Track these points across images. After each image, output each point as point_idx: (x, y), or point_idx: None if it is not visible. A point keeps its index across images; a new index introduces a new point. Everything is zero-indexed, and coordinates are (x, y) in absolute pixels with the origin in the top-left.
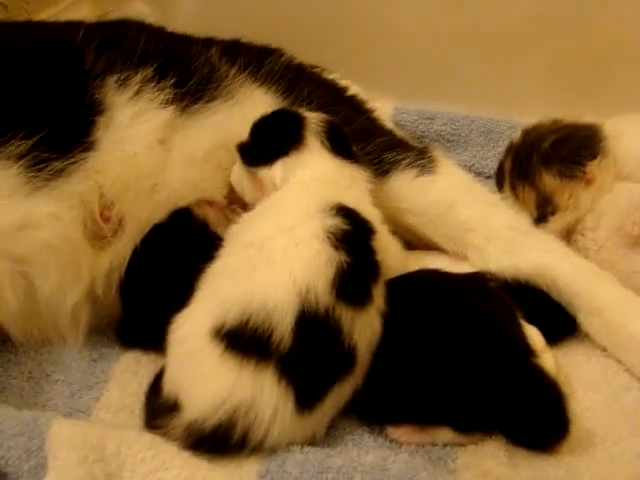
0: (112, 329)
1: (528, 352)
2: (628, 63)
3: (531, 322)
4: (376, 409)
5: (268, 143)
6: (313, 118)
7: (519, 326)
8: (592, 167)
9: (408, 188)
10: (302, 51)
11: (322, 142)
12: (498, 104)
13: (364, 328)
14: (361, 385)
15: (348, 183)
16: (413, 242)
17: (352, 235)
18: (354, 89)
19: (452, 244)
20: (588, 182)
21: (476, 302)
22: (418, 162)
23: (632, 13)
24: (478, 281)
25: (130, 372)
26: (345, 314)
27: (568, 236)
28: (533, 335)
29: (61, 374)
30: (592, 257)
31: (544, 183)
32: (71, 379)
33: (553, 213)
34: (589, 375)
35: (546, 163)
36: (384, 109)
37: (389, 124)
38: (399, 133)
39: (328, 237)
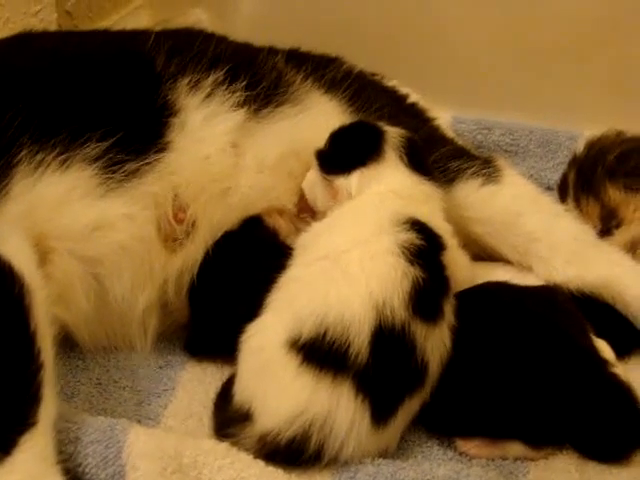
0: (178, 337)
1: (601, 362)
2: None
3: (598, 336)
4: (446, 422)
5: (347, 152)
6: (393, 132)
7: (590, 338)
8: None
9: (474, 197)
10: (360, 59)
11: (400, 157)
12: (557, 114)
13: (436, 343)
14: (429, 398)
15: (423, 199)
16: (479, 253)
17: (425, 250)
18: (414, 97)
19: (517, 254)
20: None
21: (545, 314)
22: (483, 171)
23: None
24: (547, 293)
25: (197, 380)
26: (420, 329)
27: (633, 250)
28: (603, 348)
29: (128, 381)
30: None
31: (609, 196)
32: (138, 386)
33: (618, 226)
34: None
35: (611, 176)
36: (442, 118)
37: (450, 133)
38: (459, 141)
39: (403, 252)
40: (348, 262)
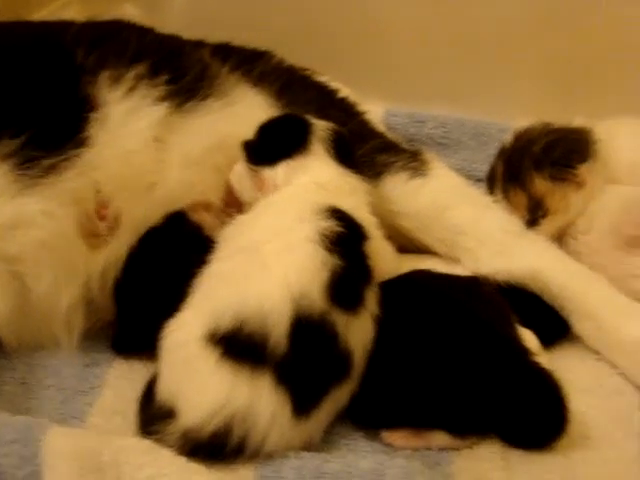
0: (105, 334)
1: (524, 352)
2: (620, 66)
3: (524, 325)
4: (370, 414)
5: (274, 144)
6: (321, 125)
7: (514, 328)
8: (583, 170)
9: (401, 191)
10: (292, 54)
11: (327, 149)
12: (489, 107)
13: (358, 333)
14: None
15: (348, 191)
16: (407, 245)
17: (346, 238)
18: (344, 91)
19: (444, 247)
20: (579, 185)
21: (469, 303)
22: (410, 165)
23: (625, 15)
24: (471, 283)
25: (124, 378)
26: (340, 319)
27: (560, 239)
28: (528, 338)
29: (54, 379)
30: (584, 260)
31: (535, 186)
32: (64, 384)
33: (544, 216)
34: (582, 379)
35: (537, 166)
36: (375, 112)
37: (380, 127)
38: (391, 136)
39: (322, 240)
40: (267, 253)
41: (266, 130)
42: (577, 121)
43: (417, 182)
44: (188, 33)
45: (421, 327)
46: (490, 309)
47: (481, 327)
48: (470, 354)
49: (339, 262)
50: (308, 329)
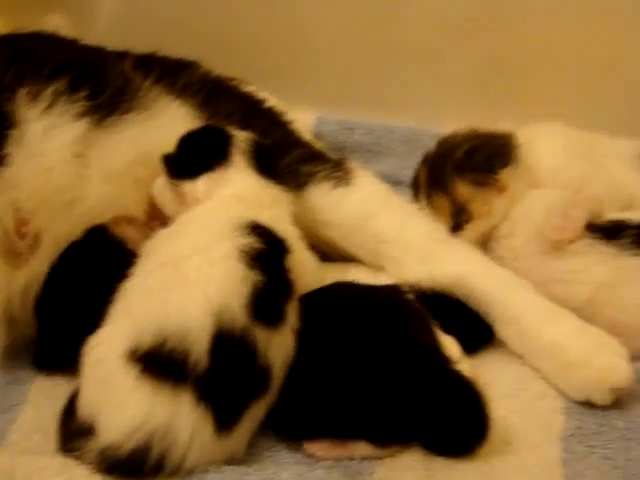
0: (27, 351)
1: (444, 360)
2: (546, 70)
3: (449, 332)
4: (292, 425)
5: (194, 157)
6: (241, 137)
7: (433, 336)
8: (504, 175)
9: (324, 201)
10: (221, 64)
11: (248, 161)
12: (419, 113)
13: (278, 347)
14: (276, 401)
15: (269, 203)
16: (333, 254)
17: (266, 254)
18: (272, 101)
19: (369, 256)
20: (501, 190)
21: (388, 313)
22: (334, 174)
23: (551, 21)
24: (391, 292)
25: (46, 395)
26: (261, 333)
27: (484, 244)
28: (449, 345)
29: None
30: (508, 265)
31: (458, 192)
32: None
33: (468, 221)
34: (506, 384)
35: (459, 172)
36: (306, 120)
37: (307, 135)
38: (318, 144)
39: (242, 256)
40: (187, 269)
41: (186, 143)
42: (503, 126)
43: (340, 191)
44: (117, 42)
45: (341, 338)
46: (410, 318)
47: (401, 336)
48: (390, 364)
49: (259, 277)
50: (229, 345)
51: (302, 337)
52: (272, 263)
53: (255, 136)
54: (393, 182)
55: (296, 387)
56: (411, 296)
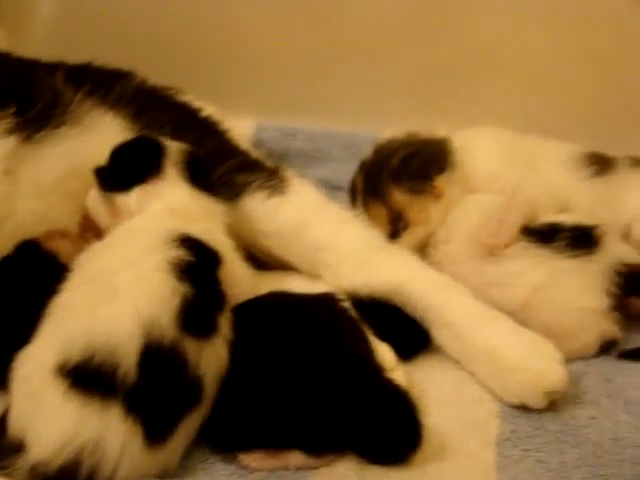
0: None
1: (377, 368)
2: (485, 74)
3: (386, 339)
4: (226, 436)
5: (126, 169)
6: (174, 147)
7: (367, 344)
8: (440, 181)
9: (260, 210)
10: (158, 73)
11: (181, 172)
12: (359, 118)
13: (210, 358)
14: (210, 413)
15: (202, 215)
16: (271, 263)
17: (196, 266)
18: (208, 110)
19: (306, 264)
20: (437, 196)
21: (322, 322)
22: (269, 183)
23: (489, 24)
24: (326, 301)
25: None
26: (191, 346)
27: (422, 250)
28: (384, 352)
29: None
30: (446, 270)
31: (394, 199)
32: None
33: (405, 228)
34: (442, 389)
35: (395, 179)
36: (245, 127)
37: (244, 144)
38: (254, 153)
39: (171, 269)
40: (117, 283)
41: (118, 155)
42: (440, 131)
43: (276, 200)
44: (53, 53)
45: (274, 348)
46: (344, 327)
47: (334, 346)
48: (323, 373)
49: (190, 290)
50: (158, 358)
51: (235, 347)
52: (202, 275)
53: (188, 147)
54: (333, 188)
55: (229, 398)
56: (347, 304)
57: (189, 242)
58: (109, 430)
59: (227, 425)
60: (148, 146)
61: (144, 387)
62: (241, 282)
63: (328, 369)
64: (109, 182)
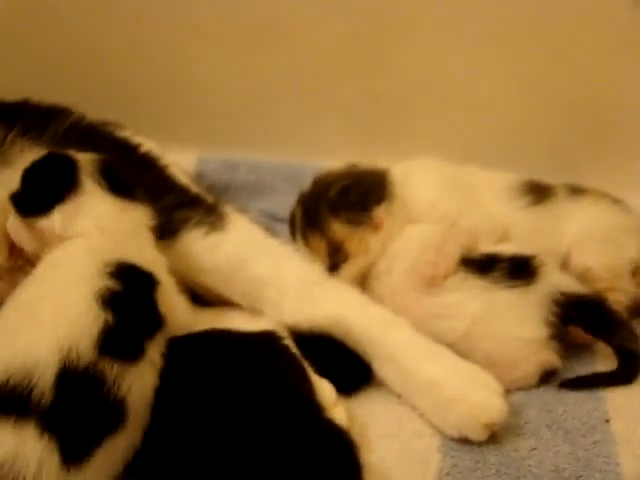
0: None
1: (317, 409)
2: (426, 105)
3: (327, 374)
4: (160, 474)
5: (41, 190)
6: (86, 159)
7: (308, 383)
8: (378, 212)
9: (198, 247)
10: (98, 107)
11: (98, 182)
12: (303, 149)
13: (135, 383)
14: (140, 448)
15: (131, 228)
16: (212, 300)
17: (125, 295)
18: (148, 145)
19: (248, 300)
20: (376, 227)
21: (262, 360)
22: (207, 219)
23: (430, 55)
24: (267, 338)
25: None
26: (109, 368)
27: (364, 282)
28: (324, 389)
29: None
30: (387, 302)
31: (333, 231)
32: None
33: (345, 260)
34: (385, 424)
35: (334, 211)
36: (187, 161)
37: (184, 179)
38: (194, 188)
39: (97, 299)
40: (41, 311)
41: (29, 176)
42: (381, 162)
43: (215, 237)
44: None
45: (210, 386)
46: (285, 365)
47: (274, 386)
48: (261, 415)
49: (113, 317)
50: (73, 380)
51: (169, 385)
52: (131, 302)
53: (99, 156)
54: (277, 220)
55: (162, 438)
56: (288, 342)
57: (120, 270)
58: (25, 450)
59: (160, 465)
60: (59, 162)
61: (59, 408)
62: (176, 308)
63: (266, 410)
64: (26, 207)
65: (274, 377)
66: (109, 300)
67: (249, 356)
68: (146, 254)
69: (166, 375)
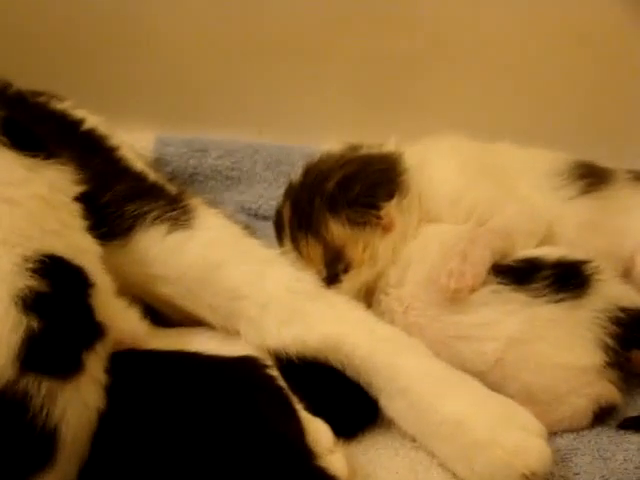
0: None
1: (308, 454)
2: (441, 70)
3: (322, 413)
4: None
5: None
6: None
7: (297, 421)
8: (389, 209)
9: (158, 249)
10: (35, 77)
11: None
12: (290, 128)
13: (70, 404)
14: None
15: (45, 192)
16: (175, 317)
17: (52, 297)
18: (93, 120)
19: (220, 317)
20: (385, 228)
21: (238, 394)
22: (170, 214)
23: (443, 8)
24: (244, 366)
25: None
26: (35, 387)
27: (369, 297)
28: (318, 431)
29: None
30: (398, 321)
31: (332, 234)
32: None
33: (346, 271)
34: (395, 474)
35: (332, 208)
36: (143, 141)
37: (139, 164)
38: (152, 176)
39: (16, 302)
40: None
41: None
42: (390, 144)
43: (178, 236)
44: None
45: (176, 425)
46: (267, 400)
47: (253, 424)
48: (238, 459)
49: (38, 323)
50: None
51: (122, 421)
52: (63, 304)
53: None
54: (257, 216)
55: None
56: (272, 370)
57: (46, 267)
58: None
59: None
60: None
61: None
62: (116, 315)
63: (243, 458)
64: None
65: (253, 415)
66: (32, 304)
67: (221, 388)
68: (71, 237)
69: (111, 402)
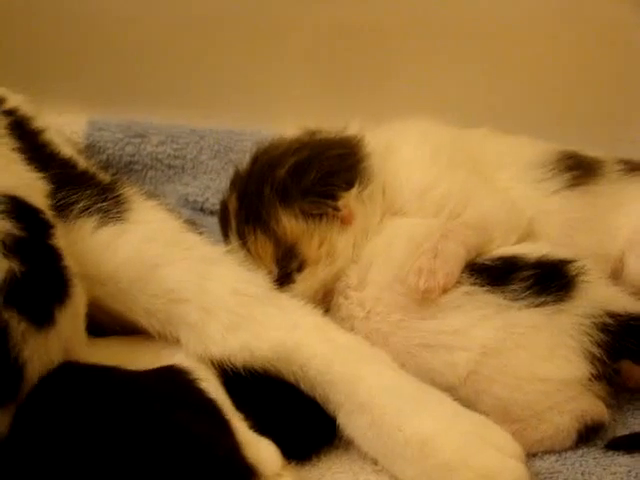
0: None
1: (247, 476)
2: (411, 47)
3: (270, 432)
4: None
5: None
6: None
7: (231, 441)
8: (347, 200)
9: (86, 245)
10: None
11: None
12: (238, 110)
13: (38, 351)
14: None
15: None
16: (106, 323)
17: (29, 241)
18: (14, 100)
19: (157, 323)
20: (344, 221)
21: (164, 410)
22: (100, 205)
23: None
24: (167, 378)
25: None
26: (16, 322)
27: (326, 300)
28: (262, 452)
29: None
30: (359, 328)
31: (283, 227)
32: None
33: (300, 269)
34: None
35: (283, 199)
36: (73, 125)
37: (67, 150)
38: (82, 163)
39: None
40: None
41: None
42: (352, 127)
43: (110, 230)
44: None
45: (81, 445)
46: (196, 417)
47: (180, 444)
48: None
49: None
50: None
51: (38, 437)
52: (37, 248)
53: None
54: (202, 210)
55: None
56: (200, 383)
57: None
58: None
59: None
60: None
61: None
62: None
63: (158, 474)
64: None
65: (180, 433)
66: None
67: (137, 404)
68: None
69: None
